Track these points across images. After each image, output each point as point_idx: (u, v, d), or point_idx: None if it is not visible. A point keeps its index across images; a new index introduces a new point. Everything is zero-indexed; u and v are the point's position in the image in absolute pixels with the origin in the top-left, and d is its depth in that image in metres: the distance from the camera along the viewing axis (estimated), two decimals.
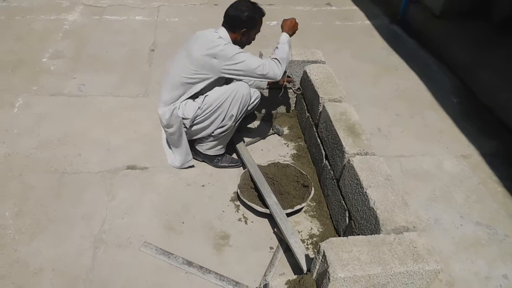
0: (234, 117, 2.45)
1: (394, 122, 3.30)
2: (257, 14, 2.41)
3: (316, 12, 5.04)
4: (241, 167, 2.70)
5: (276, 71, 2.32)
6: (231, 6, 2.40)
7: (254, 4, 2.41)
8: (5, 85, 3.29)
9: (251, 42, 2.53)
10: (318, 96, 2.60)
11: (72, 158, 2.68)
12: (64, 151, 2.72)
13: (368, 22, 4.90)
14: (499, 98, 3.43)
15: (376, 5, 5.31)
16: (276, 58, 2.36)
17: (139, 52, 3.90)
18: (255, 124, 3.10)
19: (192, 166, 2.64)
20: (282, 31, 2.52)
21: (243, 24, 2.37)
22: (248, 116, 2.99)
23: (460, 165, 2.94)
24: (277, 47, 2.44)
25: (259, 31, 2.49)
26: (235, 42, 2.40)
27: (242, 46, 2.42)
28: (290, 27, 2.52)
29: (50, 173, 2.56)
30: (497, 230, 2.49)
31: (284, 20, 2.57)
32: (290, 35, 2.52)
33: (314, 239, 2.28)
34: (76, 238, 2.19)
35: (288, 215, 2.35)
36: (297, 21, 2.57)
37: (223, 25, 2.42)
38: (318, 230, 2.36)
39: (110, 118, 3.04)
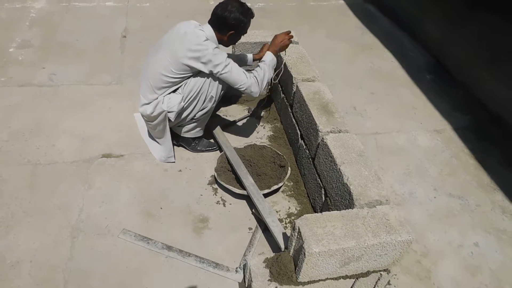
0: (214, 98, 2.42)
1: (369, 100, 3.34)
2: (247, 18, 2.32)
3: None
4: (218, 151, 2.70)
5: (254, 91, 2.33)
6: (221, 5, 2.29)
7: (244, 5, 2.32)
8: None
9: (235, 43, 2.49)
10: (292, 76, 2.61)
11: (45, 149, 2.63)
12: (36, 142, 2.67)
13: (341, 1, 4.90)
14: (471, 73, 3.50)
15: None
16: (258, 77, 2.33)
17: (110, 39, 3.82)
18: (231, 107, 3.09)
19: (173, 162, 2.61)
20: (268, 49, 2.47)
21: (231, 27, 2.29)
22: (223, 99, 2.97)
23: (434, 140, 3.01)
24: (259, 65, 2.40)
25: (246, 33, 2.43)
26: (220, 41, 2.36)
27: (226, 46, 2.40)
28: (277, 44, 2.46)
29: (23, 165, 2.51)
30: (468, 200, 2.58)
31: (275, 36, 2.50)
32: (276, 52, 2.46)
33: (292, 218, 2.31)
34: (53, 228, 2.17)
35: (266, 195, 2.38)
36: (289, 34, 2.49)
37: (209, 22, 2.33)
38: (295, 209, 2.39)
39: (83, 107, 2.99)
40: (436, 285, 2.10)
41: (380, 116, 3.18)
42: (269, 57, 2.43)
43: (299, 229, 1.66)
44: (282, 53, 2.59)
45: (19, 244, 2.08)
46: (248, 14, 2.33)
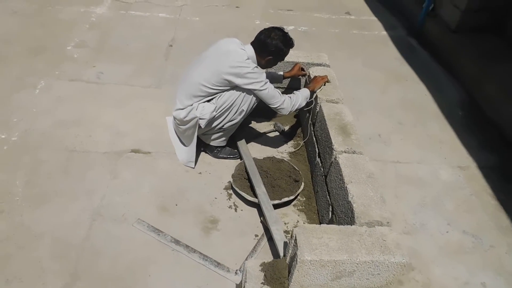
0: (244, 112, 2.59)
1: (396, 130, 3.36)
2: (287, 47, 2.52)
3: (335, 20, 5.13)
4: (239, 160, 2.83)
5: (284, 108, 2.53)
6: (265, 31, 2.49)
7: (286, 35, 2.51)
8: (31, 68, 3.54)
9: (271, 67, 2.68)
10: (317, 96, 2.71)
11: (82, 139, 2.87)
12: (76, 132, 2.92)
13: (385, 32, 4.96)
14: (504, 113, 3.44)
15: (395, 16, 5.35)
16: (291, 100, 2.54)
17: (157, 46, 4.10)
18: (259, 120, 3.21)
19: (192, 168, 2.74)
20: (307, 86, 2.72)
21: (271, 52, 2.48)
22: (253, 113, 3.11)
23: (456, 175, 2.97)
24: (294, 92, 2.63)
25: (283, 60, 2.63)
26: (258, 63, 2.54)
27: (262, 68, 2.58)
28: (316, 85, 2.73)
29: (61, 151, 2.76)
30: (483, 240, 2.52)
31: (315, 77, 2.77)
32: (314, 90, 2.72)
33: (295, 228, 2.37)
34: (76, 210, 2.37)
35: (278, 207, 2.47)
36: (327, 77, 2.80)
37: (252, 44, 2.52)
38: (303, 222, 2.46)
39: (122, 105, 3.23)
40: None
41: (404, 146, 3.19)
42: (306, 91, 2.67)
43: (296, 236, 1.74)
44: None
45: (44, 219, 2.30)
46: (288, 44, 2.52)
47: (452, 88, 3.97)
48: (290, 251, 1.81)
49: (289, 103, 2.52)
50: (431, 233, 2.52)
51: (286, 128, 3.16)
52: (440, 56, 4.41)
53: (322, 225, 1.79)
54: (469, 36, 4.34)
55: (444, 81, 4.08)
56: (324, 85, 2.76)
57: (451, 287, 2.23)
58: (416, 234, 2.50)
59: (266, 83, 2.44)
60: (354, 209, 1.91)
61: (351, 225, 1.88)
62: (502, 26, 4.34)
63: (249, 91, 2.48)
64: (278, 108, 2.52)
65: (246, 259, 2.19)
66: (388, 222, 1.88)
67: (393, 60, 4.39)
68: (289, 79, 3.11)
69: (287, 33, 2.54)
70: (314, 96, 2.72)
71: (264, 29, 2.53)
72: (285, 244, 2.04)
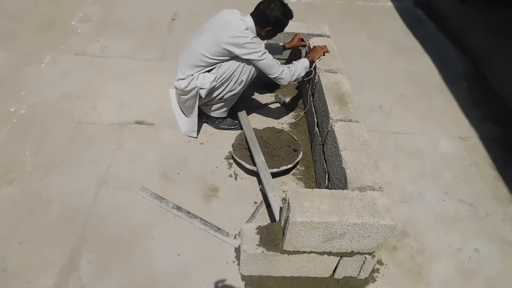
0: (244, 82, 2.63)
1: (398, 101, 3.37)
2: (286, 18, 2.53)
3: None
4: (240, 130, 2.88)
5: (283, 78, 2.55)
6: (265, 1, 2.50)
7: (286, 6, 2.52)
8: (36, 43, 3.60)
9: (271, 38, 2.68)
10: (316, 66, 2.72)
11: (88, 111, 2.95)
12: (82, 104, 3.00)
13: (390, 3, 4.88)
14: (509, 86, 3.41)
15: None
16: (290, 70, 2.56)
17: (161, 20, 4.12)
18: (260, 92, 3.25)
19: (195, 138, 2.81)
20: (307, 57, 2.73)
21: (270, 23, 2.50)
22: (252, 84, 3.14)
23: (456, 146, 2.99)
24: (293, 62, 2.64)
25: (282, 31, 2.65)
26: (258, 34, 2.55)
27: (262, 39, 2.59)
28: (316, 55, 2.74)
29: (67, 122, 2.84)
30: (479, 208, 2.56)
31: (314, 47, 2.79)
32: (313, 61, 2.73)
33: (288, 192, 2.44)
34: (82, 178, 2.47)
35: (276, 175, 2.53)
36: (328, 49, 2.82)
37: (251, 15, 2.53)
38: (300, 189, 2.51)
39: (126, 78, 3.29)
40: (425, 281, 2.14)
41: (405, 117, 3.20)
42: (305, 61, 2.67)
43: (288, 200, 1.80)
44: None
45: (53, 186, 2.40)
46: (287, 15, 2.53)
47: (458, 61, 3.93)
48: (284, 215, 1.88)
49: (288, 73, 2.55)
50: (427, 202, 2.57)
51: (287, 99, 3.19)
52: (447, 28, 4.35)
53: (315, 189, 1.85)
54: (478, 7, 4.27)
55: (450, 53, 4.03)
56: (324, 55, 2.77)
57: (444, 253, 2.29)
58: (412, 203, 2.55)
59: (264, 53, 2.47)
60: (347, 174, 1.96)
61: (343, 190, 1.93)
62: None
63: (248, 62, 2.51)
64: (277, 78, 2.55)
65: (244, 224, 2.27)
66: (380, 188, 1.93)
67: (398, 32, 4.34)
68: (289, 50, 3.11)
69: (286, 4, 2.54)
70: (313, 66, 2.74)
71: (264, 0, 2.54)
72: (281, 209, 2.11)
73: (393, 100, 3.37)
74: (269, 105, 3.16)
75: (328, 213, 1.74)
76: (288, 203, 1.80)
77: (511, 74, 3.46)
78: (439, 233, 2.39)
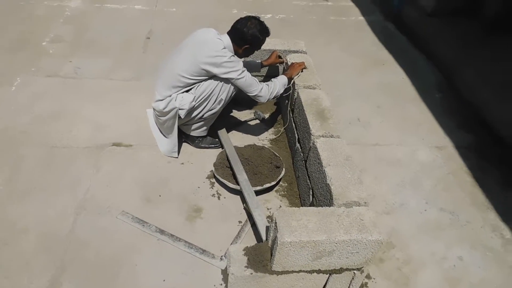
0: (223, 101, 2.61)
1: (375, 113, 3.42)
2: (263, 35, 2.54)
3: (312, 7, 5.15)
4: (220, 148, 2.85)
5: (262, 95, 2.55)
6: (241, 20, 2.51)
7: (262, 24, 2.53)
8: (6, 65, 3.49)
9: (248, 56, 2.69)
10: (295, 83, 2.74)
11: (63, 134, 2.86)
12: (56, 127, 2.91)
13: (362, 18, 5.01)
14: (480, 95, 3.53)
15: (372, 2, 5.40)
16: (269, 87, 2.56)
17: (135, 39, 4.07)
18: (239, 109, 3.24)
19: (176, 158, 2.77)
20: (285, 73, 2.75)
21: (247, 41, 2.51)
22: (233, 101, 3.13)
23: (433, 155, 3.05)
24: (272, 80, 2.64)
25: (259, 49, 2.65)
26: (235, 52, 2.55)
27: (239, 57, 2.58)
28: (293, 72, 2.76)
29: (41, 146, 2.74)
30: (459, 216, 2.61)
31: (292, 64, 2.81)
32: (291, 77, 2.75)
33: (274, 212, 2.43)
34: (60, 204, 2.37)
35: (260, 193, 2.51)
36: (304, 64, 2.84)
37: (228, 33, 2.53)
38: (286, 207, 2.50)
39: (102, 99, 3.22)
40: None
41: (382, 129, 3.26)
42: (283, 78, 2.69)
43: (275, 220, 1.78)
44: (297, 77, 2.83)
45: (28, 213, 2.30)
46: (265, 32, 2.55)
47: (429, 72, 4.05)
48: (271, 234, 1.85)
49: (267, 90, 2.56)
50: (410, 212, 2.60)
51: (267, 115, 3.20)
52: (417, 40, 4.48)
53: (301, 208, 1.84)
54: (446, 19, 4.43)
55: (421, 64, 4.16)
56: (302, 71, 2.79)
57: (429, 262, 2.31)
58: (395, 214, 2.57)
59: (243, 71, 2.46)
60: (332, 191, 1.96)
61: (330, 207, 1.93)
62: (477, 10, 4.42)
63: (227, 80, 2.50)
64: (256, 96, 2.55)
65: (230, 245, 2.23)
66: (365, 202, 1.94)
67: (371, 45, 4.45)
68: (267, 67, 3.13)
69: (263, 21, 2.56)
70: (292, 83, 2.76)
71: (240, 18, 2.55)
72: (267, 228, 2.09)
73: (370, 112, 3.43)
74: (248, 122, 3.15)
75: (316, 231, 1.73)
76: (275, 222, 1.78)
77: (480, 84, 3.59)
78: (423, 242, 2.42)
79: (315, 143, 2.25)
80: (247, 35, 2.48)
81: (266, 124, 3.13)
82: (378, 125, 3.30)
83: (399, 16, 4.90)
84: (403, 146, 3.11)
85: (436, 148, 3.13)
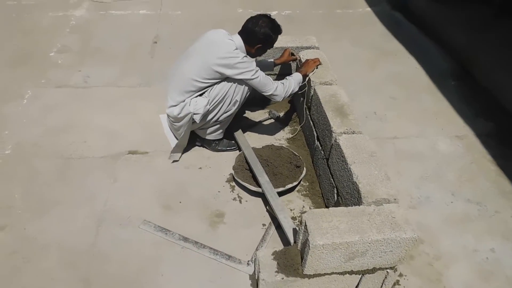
0: (238, 102, 2.56)
1: (390, 106, 3.36)
2: (275, 34, 2.48)
3: (317, 1, 5.06)
4: (238, 151, 2.80)
5: (278, 94, 2.50)
6: (252, 20, 2.45)
7: (274, 22, 2.47)
8: (15, 79, 3.46)
9: (261, 55, 2.63)
10: (310, 80, 2.68)
11: (77, 145, 2.82)
12: (69, 138, 2.87)
13: (369, 9, 4.93)
14: (495, 80, 3.45)
15: None
16: (284, 85, 2.50)
17: (142, 44, 4.03)
18: (253, 109, 3.19)
19: (177, 161, 2.72)
20: (299, 70, 2.67)
21: (260, 40, 2.44)
22: (246, 102, 3.08)
23: (454, 145, 2.98)
24: (287, 78, 2.58)
25: (272, 47, 2.59)
26: (248, 53, 2.49)
27: (252, 57, 2.53)
28: (308, 69, 2.69)
29: (56, 159, 2.71)
30: (487, 206, 2.54)
31: (306, 61, 2.74)
32: (306, 74, 2.69)
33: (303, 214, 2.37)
34: (80, 217, 2.33)
35: (282, 194, 2.46)
36: (315, 59, 2.77)
37: (239, 33, 2.47)
38: (309, 208, 2.45)
39: (113, 107, 3.18)
40: None
41: (400, 121, 3.19)
42: (298, 75, 2.63)
43: (305, 222, 1.73)
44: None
45: (48, 228, 2.26)
46: (277, 30, 2.48)
47: (442, 59, 3.97)
48: (301, 237, 1.80)
49: (282, 89, 2.50)
50: (436, 205, 2.54)
51: (281, 114, 3.14)
52: (426, 28, 4.40)
53: (330, 208, 1.78)
54: (454, 5, 4.32)
55: (433, 52, 4.07)
56: (317, 67, 2.73)
57: (461, 256, 2.25)
58: (421, 208, 2.51)
59: (257, 71, 2.41)
60: (360, 189, 1.91)
61: (359, 206, 1.87)
62: None
63: (241, 81, 2.45)
64: (271, 95, 2.50)
65: (256, 249, 2.19)
66: (395, 199, 1.88)
67: (380, 36, 4.37)
68: (280, 65, 3.07)
69: (274, 19, 2.50)
70: (306, 80, 2.70)
71: (251, 17, 2.48)
72: (295, 231, 2.04)
73: (385, 105, 3.36)
74: (263, 122, 3.09)
75: (348, 232, 1.68)
76: (305, 225, 1.72)
77: (496, 68, 3.50)
78: (452, 236, 2.36)
79: (337, 140, 2.19)
80: (259, 34, 2.42)
81: (281, 123, 3.08)
82: (395, 117, 3.24)
83: (406, 5, 4.81)
84: (422, 138, 3.04)
85: (456, 137, 3.06)
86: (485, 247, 2.30)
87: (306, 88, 2.73)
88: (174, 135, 2.80)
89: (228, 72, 2.37)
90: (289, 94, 2.56)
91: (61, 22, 4.36)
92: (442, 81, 3.65)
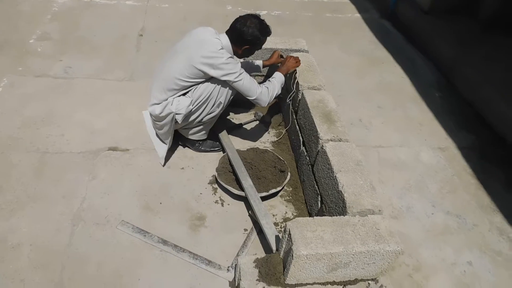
0: (222, 104, 2.49)
1: (376, 114, 3.36)
2: (263, 35, 2.40)
3: (307, 3, 5.07)
4: (221, 152, 2.75)
5: (263, 100, 2.41)
6: (240, 19, 2.36)
7: (263, 22, 2.39)
8: None
9: (248, 56, 2.56)
10: (298, 83, 2.65)
11: (55, 138, 2.72)
12: (47, 131, 2.76)
13: (358, 15, 4.94)
14: (480, 94, 3.50)
15: None
16: (268, 90, 2.42)
17: (127, 36, 3.92)
18: (237, 111, 3.14)
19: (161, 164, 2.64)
20: (279, 70, 2.60)
21: (247, 41, 2.36)
22: (232, 103, 3.03)
23: (437, 157, 3.01)
24: (269, 80, 2.50)
25: (260, 48, 2.51)
26: (235, 53, 2.42)
27: (239, 57, 2.47)
28: (288, 68, 2.64)
29: (32, 152, 2.60)
30: (466, 219, 2.57)
31: (287, 59, 2.67)
32: (286, 73, 2.62)
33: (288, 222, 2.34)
34: (55, 215, 2.24)
35: (264, 199, 2.42)
36: (298, 61, 2.71)
37: (227, 33, 2.40)
38: (292, 214, 2.43)
39: (95, 100, 3.08)
40: None
41: (385, 130, 3.20)
42: (279, 76, 2.55)
43: (289, 231, 1.70)
44: (297, 75, 2.73)
45: (21, 227, 2.16)
46: (265, 32, 2.41)
47: (428, 70, 4.01)
48: (284, 246, 1.77)
49: (266, 94, 2.41)
50: (417, 216, 2.55)
51: (267, 116, 3.10)
52: (414, 38, 4.44)
53: (315, 217, 1.76)
54: (442, 17, 4.39)
55: (420, 63, 4.12)
56: (298, 66, 2.70)
57: (440, 268, 2.26)
58: (403, 218, 2.52)
59: (240, 74, 2.32)
60: (345, 198, 1.89)
61: (344, 215, 1.86)
62: (474, 8, 4.39)
63: (225, 83, 2.38)
64: (255, 100, 2.40)
65: (237, 255, 2.15)
66: (379, 210, 1.87)
67: (369, 44, 4.39)
68: (268, 67, 3.03)
69: (263, 20, 2.43)
70: (295, 83, 2.66)
71: (240, 16, 2.41)
72: (277, 238, 2.01)
73: (371, 112, 3.37)
74: (249, 124, 3.05)
75: (333, 243, 1.66)
76: (289, 233, 1.69)
77: (480, 83, 3.56)
78: (432, 247, 2.37)
79: (323, 147, 2.17)
80: (247, 35, 2.35)
81: (266, 125, 3.04)
82: (380, 126, 3.25)
83: (395, 14, 4.85)
84: (406, 148, 3.06)
85: (439, 149, 3.09)
86: (463, 260, 2.33)
87: (294, 93, 2.70)
88: (157, 134, 2.72)
89: (212, 72, 2.29)
90: (273, 97, 2.49)
91: (42, 7, 4.20)
92: (428, 92, 3.69)
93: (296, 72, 2.72)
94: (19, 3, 4.22)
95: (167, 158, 2.65)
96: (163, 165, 2.61)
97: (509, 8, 4.07)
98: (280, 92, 2.55)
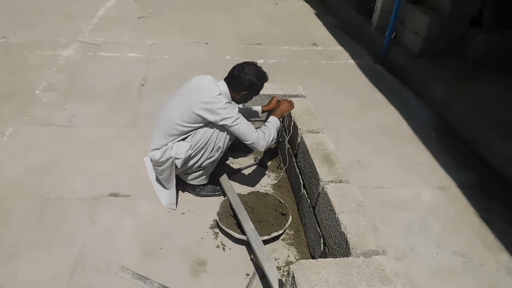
0: (221, 149, 2.53)
1: (374, 155, 3.40)
2: (261, 82, 2.50)
3: (303, 52, 5.27)
4: (222, 196, 2.76)
5: (260, 145, 2.44)
6: (238, 66, 2.47)
7: (260, 69, 2.49)
8: None
9: (247, 102, 2.63)
10: (297, 127, 2.71)
11: (56, 185, 2.73)
12: (49, 179, 2.78)
13: (352, 61, 5.12)
14: (475, 132, 3.57)
15: (361, 45, 5.56)
16: (265, 135, 2.48)
17: (129, 86, 4.04)
18: (236, 155, 3.18)
19: (174, 209, 2.65)
20: (274, 114, 2.66)
21: (245, 87, 2.46)
22: (231, 148, 3.07)
23: (437, 196, 3.01)
24: (265, 125, 2.56)
25: (258, 94, 2.60)
26: (233, 98, 2.50)
27: (237, 103, 2.55)
28: (282, 111, 2.69)
29: (33, 199, 2.60)
30: (472, 259, 2.53)
31: (281, 102, 2.73)
32: (281, 116, 2.68)
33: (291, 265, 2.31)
34: (54, 261, 2.21)
35: (266, 242, 2.39)
36: (289, 104, 2.73)
37: (225, 79, 2.49)
38: (295, 257, 2.39)
39: (97, 147, 3.12)
40: None
41: (384, 171, 3.22)
42: (274, 120, 2.60)
43: (293, 274, 1.67)
44: (293, 117, 2.79)
45: (19, 274, 2.13)
46: (262, 78, 2.50)
47: (423, 111, 4.10)
48: None
49: (263, 139, 2.45)
50: (421, 256, 2.51)
51: (265, 160, 3.14)
52: (407, 81, 4.58)
53: (319, 259, 1.74)
54: (433, 60, 4.56)
55: (414, 104, 4.22)
56: (292, 108, 2.75)
57: None
58: (407, 259, 2.48)
59: (237, 118, 2.38)
60: (348, 240, 1.88)
61: (347, 257, 1.84)
62: (462, 51, 4.57)
63: (223, 127, 2.44)
64: (251, 144, 2.44)
65: None
66: (383, 251, 1.85)
67: (364, 87, 4.52)
68: (267, 112, 3.11)
69: (260, 67, 2.53)
70: (292, 125, 2.72)
71: (238, 64, 2.52)
72: (280, 282, 1.97)
73: (369, 153, 3.41)
74: (248, 168, 3.08)
75: (338, 285, 1.63)
76: (293, 276, 1.67)
77: (475, 121, 3.63)
78: None
79: (325, 189, 2.18)
80: (244, 81, 2.44)
81: (266, 169, 3.06)
82: (379, 167, 3.27)
83: (388, 59, 5.03)
84: (406, 188, 3.06)
85: (439, 188, 3.10)
86: None
87: (291, 133, 2.75)
88: (158, 180, 2.73)
89: (210, 117, 2.36)
90: (269, 142, 2.52)
91: (49, 61, 4.37)
92: (424, 133, 3.75)
93: (291, 116, 2.78)
94: (27, 58, 4.39)
95: (177, 200, 2.65)
96: (175, 209, 2.62)
97: (497, 50, 4.24)
98: (276, 136, 2.60)
